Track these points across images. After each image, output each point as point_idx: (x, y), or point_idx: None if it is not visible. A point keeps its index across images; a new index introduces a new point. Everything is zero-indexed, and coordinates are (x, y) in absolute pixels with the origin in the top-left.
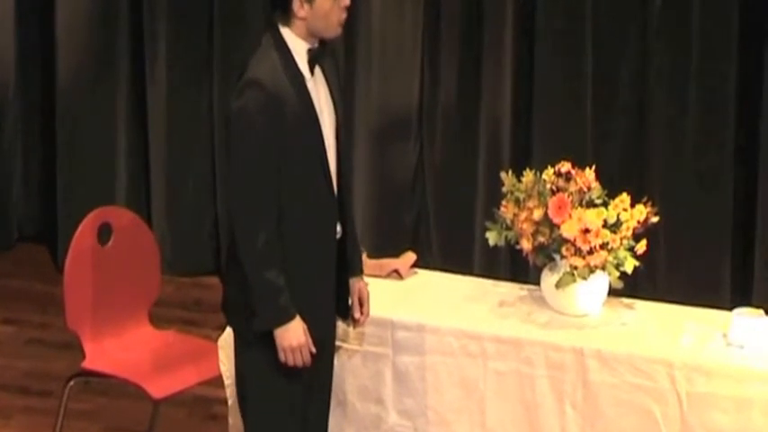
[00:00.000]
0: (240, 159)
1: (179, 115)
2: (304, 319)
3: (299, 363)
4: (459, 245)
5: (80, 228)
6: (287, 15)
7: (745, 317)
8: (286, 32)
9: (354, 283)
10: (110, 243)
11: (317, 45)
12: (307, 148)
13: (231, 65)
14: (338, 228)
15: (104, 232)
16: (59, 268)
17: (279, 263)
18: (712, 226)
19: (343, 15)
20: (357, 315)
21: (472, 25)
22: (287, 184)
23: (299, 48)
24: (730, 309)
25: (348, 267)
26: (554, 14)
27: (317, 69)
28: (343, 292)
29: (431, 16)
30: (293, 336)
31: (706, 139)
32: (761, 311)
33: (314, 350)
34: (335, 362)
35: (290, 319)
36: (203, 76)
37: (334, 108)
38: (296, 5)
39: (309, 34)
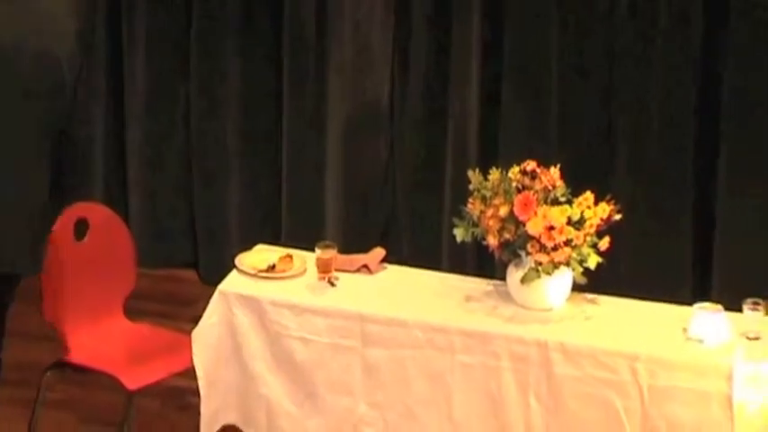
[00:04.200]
0: None
1: (156, 115)
2: None
3: None
4: (427, 241)
5: (57, 223)
6: None
7: (704, 312)
8: None
9: None
10: (86, 238)
11: None
12: None
13: (208, 65)
14: None
15: (81, 227)
16: None
17: None
18: (673, 224)
19: None
20: None
21: (441, 27)
22: None
23: None
24: (690, 304)
25: None
26: (520, 20)
27: None
28: None
29: (401, 19)
30: None
31: (668, 139)
32: (720, 307)
33: None
34: (306, 355)
35: None
36: (179, 80)
37: None
38: None
39: None
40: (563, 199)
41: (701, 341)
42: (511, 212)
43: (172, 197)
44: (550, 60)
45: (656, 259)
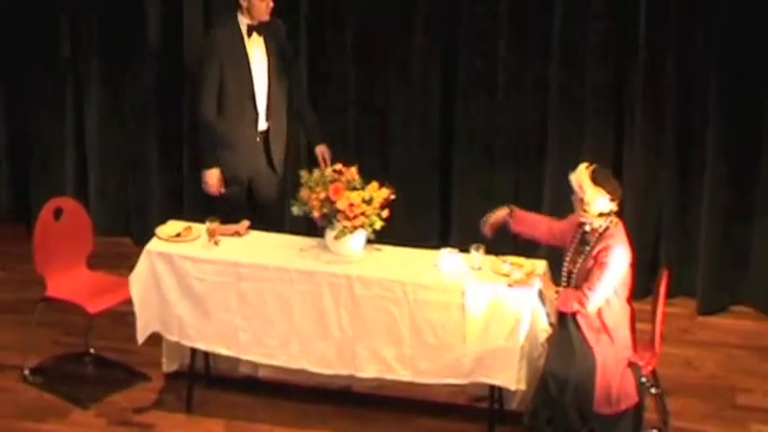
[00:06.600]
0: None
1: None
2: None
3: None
4: (276, 214)
5: (42, 210)
6: (240, 5)
7: (447, 254)
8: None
9: (316, 148)
10: (61, 219)
11: (255, 23)
12: (236, 77)
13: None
14: (264, 124)
15: (57, 213)
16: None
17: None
18: (429, 200)
19: (269, 6)
20: (322, 167)
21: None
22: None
23: (242, 23)
24: (438, 248)
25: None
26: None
27: (255, 35)
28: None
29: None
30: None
31: (424, 132)
32: (456, 250)
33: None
34: (201, 288)
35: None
36: None
37: (267, 59)
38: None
39: (249, 16)
40: (359, 187)
41: (445, 271)
42: (327, 196)
43: (116, 189)
44: (348, 104)
45: (417, 222)
